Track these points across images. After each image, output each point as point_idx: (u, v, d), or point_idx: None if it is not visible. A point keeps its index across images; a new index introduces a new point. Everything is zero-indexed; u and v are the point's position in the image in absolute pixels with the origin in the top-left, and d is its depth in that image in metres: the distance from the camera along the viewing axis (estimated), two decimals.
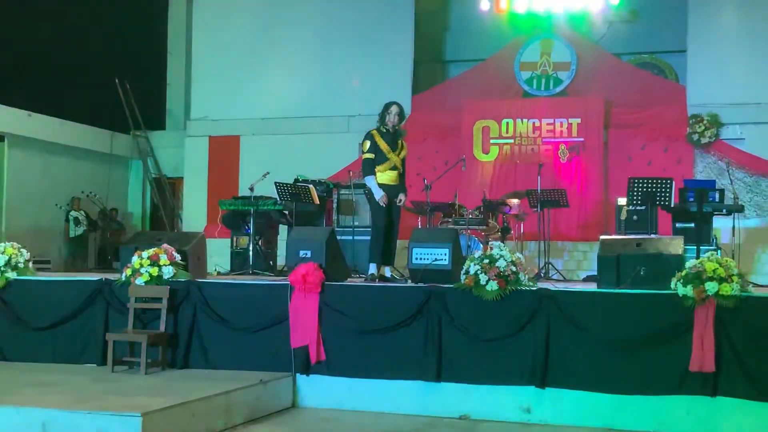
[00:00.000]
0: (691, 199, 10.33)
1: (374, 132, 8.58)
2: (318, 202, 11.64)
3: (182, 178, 18.67)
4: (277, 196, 11.64)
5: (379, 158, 8.52)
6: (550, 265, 11.89)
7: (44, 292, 8.35)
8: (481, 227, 11.36)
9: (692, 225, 10.50)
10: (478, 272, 6.91)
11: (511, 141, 15.93)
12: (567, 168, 15.50)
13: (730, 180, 12.74)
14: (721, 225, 11.98)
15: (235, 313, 7.66)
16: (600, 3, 15.94)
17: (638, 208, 11.30)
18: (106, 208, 18.05)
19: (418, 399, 7.10)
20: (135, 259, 7.86)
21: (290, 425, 6.84)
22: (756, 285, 8.26)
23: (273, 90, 17.31)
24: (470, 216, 11.45)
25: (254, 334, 7.54)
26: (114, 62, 18.56)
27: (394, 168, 8.57)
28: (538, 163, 13.40)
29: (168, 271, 7.77)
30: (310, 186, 11.65)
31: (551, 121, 15.80)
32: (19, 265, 8.47)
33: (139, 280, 7.76)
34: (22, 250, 8.60)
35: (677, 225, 10.91)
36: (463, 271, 7.10)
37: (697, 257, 6.96)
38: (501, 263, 6.87)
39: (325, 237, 7.79)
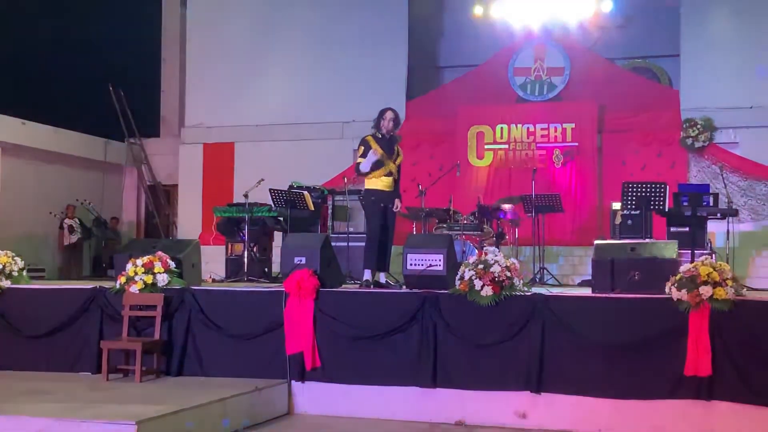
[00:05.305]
0: (686, 204, 10.36)
1: (369, 138, 8.58)
2: (313, 209, 11.65)
3: (177, 185, 18.64)
4: (271, 203, 11.64)
5: (375, 164, 8.51)
6: (545, 270, 11.91)
7: (38, 300, 8.33)
8: (475, 233, 11.37)
9: (686, 229, 10.53)
10: (473, 278, 6.91)
11: (506, 146, 15.95)
12: (561, 173, 15.53)
13: (724, 184, 12.76)
14: (715, 229, 12.00)
15: (230, 320, 7.65)
16: (593, 8, 15.95)
17: (632, 212, 11.31)
18: (100, 215, 18.02)
19: (413, 405, 7.08)
20: (129, 267, 7.85)
21: None
22: (750, 289, 8.28)
23: (268, 97, 17.30)
24: (465, 221, 11.46)
25: (249, 341, 7.53)
26: (108, 70, 18.58)
27: (389, 174, 8.57)
28: (532, 168, 13.43)
29: (162, 279, 7.76)
30: (305, 192, 11.66)
31: (545, 126, 15.82)
32: (13, 273, 8.47)
33: (134, 288, 7.74)
34: (16, 258, 8.59)
35: (671, 229, 10.93)
36: (457, 277, 7.11)
37: (692, 261, 6.97)
38: (495, 269, 6.88)
39: (320, 243, 7.79)
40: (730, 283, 6.35)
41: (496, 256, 7.03)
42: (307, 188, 12.18)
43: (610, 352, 6.65)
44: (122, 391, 6.95)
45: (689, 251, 9.34)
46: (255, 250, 12.01)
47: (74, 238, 17.41)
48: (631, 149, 15.52)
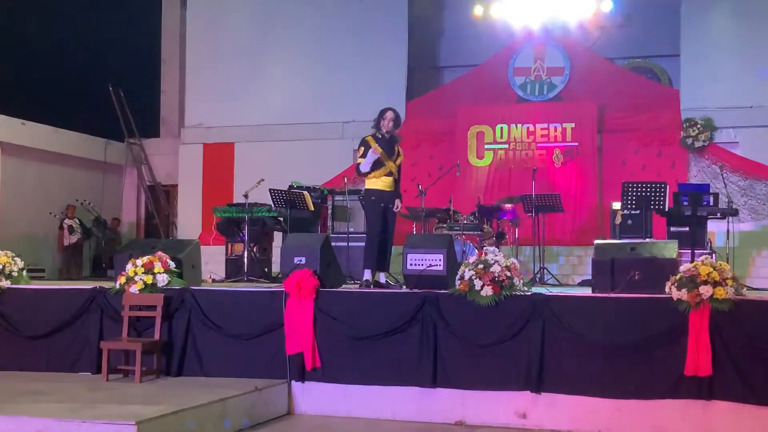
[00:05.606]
0: (686, 203, 10.35)
1: (369, 138, 8.56)
2: (313, 209, 11.64)
3: (177, 185, 18.65)
4: (271, 203, 11.64)
5: (376, 164, 8.51)
6: (545, 270, 11.91)
7: (38, 300, 8.31)
8: (475, 232, 11.37)
9: (686, 229, 10.52)
10: (473, 278, 6.90)
11: (506, 146, 15.97)
12: (561, 173, 15.53)
13: (724, 183, 12.77)
14: (715, 229, 12.01)
15: (230, 320, 7.64)
16: (593, 8, 15.96)
17: (633, 212, 11.31)
18: (100, 216, 18.02)
19: (413, 405, 7.08)
20: (129, 267, 7.84)
21: None
22: (751, 288, 8.28)
23: (267, 97, 17.32)
24: (465, 221, 11.47)
25: (249, 341, 7.52)
26: (108, 70, 18.60)
27: (389, 174, 8.56)
28: (532, 168, 13.44)
29: (162, 279, 7.75)
30: (305, 192, 11.65)
31: (545, 125, 15.83)
32: (13, 273, 8.46)
33: (134, 288, 7.73)
34: (16, 258, 8.58)
35: (672, 229, 10.93)
36: (457, 277, 7.10)
37: (692, 261, 6.96)
38: (495, 268, 6.87)
39: (320, 243, 7.79)
40: (730, 282, 6.34)
41: (496, 256, 7.03)
42: (307, 188, 12.18)
43: (610, 352, 6.64)
44: (122, 391, 6.94)
45: (689, 251, 9.33)
46: (255, 250, 12.00)
47: (74, 239, 17.42)
48: (631, 149, 15.54)
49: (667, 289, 6.51)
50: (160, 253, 7.98)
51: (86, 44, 18.41)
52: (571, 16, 15.91)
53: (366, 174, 8.56)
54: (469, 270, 6.97)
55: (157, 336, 7.59)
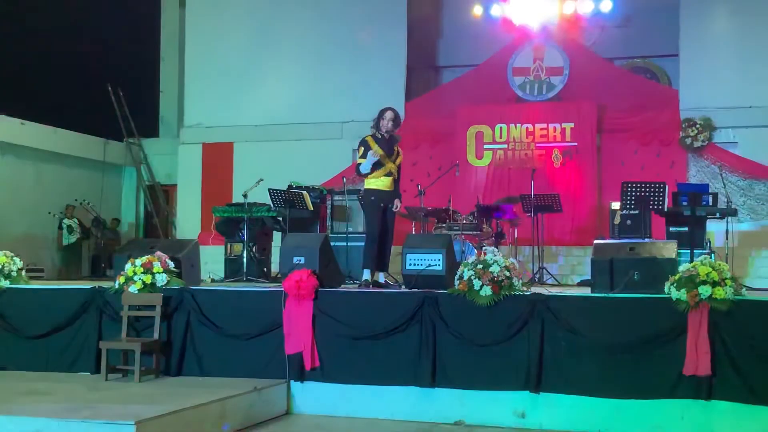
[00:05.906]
0: (685, 203, 10.37)
1: (369, 138, 8.57)
2: (312, 209, 11.64)
3: (176, 185, 18.64)
4: (270, 203, 11.64)
5: (375, 164, 8.50)
6: (544, 270, 11.91)
7: (37, 300, 8.32)
8: (475, 232, 11.38)
9: (686, 229, 10.53)
10: (472, 277, 6.90)
11: (505, 146, 15.95)
12: (560, 173, 15.52)
13: (723, 183, 12.78)
14: (714, 229, 12.01)
15: (229, 320, 7.64)
16: (592, 8, 15.96)
17: (632, 212, 11.32)
18: (99, 215, 18.02)
19: (412, 405, 7.08)
20: (128, 267, 7.84)
21: None
22: (749, 288, 8.28)
23: (266, 97, 17.31)
24: (464, 221, 11.47)
25: (248, 341, 7.53)
26: (107, 70, 18.59)
27: (389, 174, 8.56)
28: (531, 168, 13.44)
29: (161, 279, 7.75)
30: (304, 192, 11.66)
31: (544, 125, 15.82)
32: (12, 273, 8.46)
33: (133, 288, 7.73)
34: (14, 258, 8.58)
35: (671, 229, 10.93)
36: (456, 277, 7.10)
37: (691, 261, 6.97)
38: (494, 268, 6.87)
39: (319, 243, 7.80)
40: (729, 282, 6.34)
41: (495, 256, 7.03)
42: (306, 188, 12.18)
43: (609, 352, 6.63)
44: (121, 391, 6.94)
45: (688, 251, 9.34)
46: (254, 250, 12.00)
47: (73, 239, 17.41)
48: (630, 149, 15.53)
49: (666, 289, 6.51)
50: (159, 252, 7.98)
51: (85, 44, 18.38)
52: (571, 16, 15.90)
53: (366, 175, 8.56)
54: (469, 270, 6.97)
55: (156, 336, 7.59)
